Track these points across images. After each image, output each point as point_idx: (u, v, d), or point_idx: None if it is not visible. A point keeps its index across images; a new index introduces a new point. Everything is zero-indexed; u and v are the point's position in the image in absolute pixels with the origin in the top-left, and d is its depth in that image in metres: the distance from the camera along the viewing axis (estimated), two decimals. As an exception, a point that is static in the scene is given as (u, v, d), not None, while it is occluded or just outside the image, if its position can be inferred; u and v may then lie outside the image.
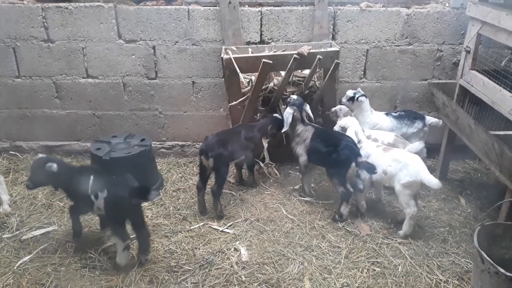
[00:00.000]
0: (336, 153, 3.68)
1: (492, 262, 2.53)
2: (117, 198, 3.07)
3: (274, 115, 4.29)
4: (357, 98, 4.30)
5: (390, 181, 3.64)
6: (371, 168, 3.56)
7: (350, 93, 4.38)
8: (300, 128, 4.05)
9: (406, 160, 3.54)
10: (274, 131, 4.25)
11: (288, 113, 4.00)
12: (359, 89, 4.41)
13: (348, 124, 3.95)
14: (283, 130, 4.06)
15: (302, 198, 4.16)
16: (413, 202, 3.54)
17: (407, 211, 3.54)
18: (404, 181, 3.50)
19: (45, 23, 4.49)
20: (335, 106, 4.38)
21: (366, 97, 4.33)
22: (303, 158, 4.02)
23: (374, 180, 3.83)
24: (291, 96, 4.19)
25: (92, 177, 3.14)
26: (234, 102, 4.32)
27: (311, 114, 4.16)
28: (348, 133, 3.86)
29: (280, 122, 4.11)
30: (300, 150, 4.03)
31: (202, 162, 3.84)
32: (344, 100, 4.41)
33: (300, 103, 4.09)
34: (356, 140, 3.80)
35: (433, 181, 3.36)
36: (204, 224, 3.79)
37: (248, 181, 4.40)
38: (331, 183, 3.91)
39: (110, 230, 3.32)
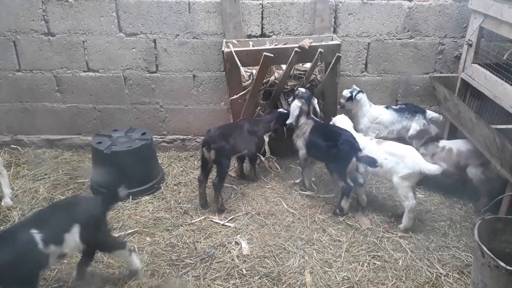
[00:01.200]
0: (336, 148, 3.67)
1: (492, 256, 2.54)
2: (97, 219, 2.86)
3: (279, 110, 4.28)
4: (355, 96, 4.28)
5: (387, 175, 3.65)
6: (372, 162, 3.55)
7: (346, 93, 4.35)
8: (301, 120, 4.03)
9: (401, 152, 3.57)
10: (277, 126, 4.24)
11: (296, 106, 3.97)
12: (354, 86, 4.39)
13: (336, 122, 4.04)
14: (288, 121, 4.02)
15: (303, 192, 4.16)
16: (412, 195, 3.54)
17: (406, 204, 3.54)
18: (402, 174, 3.51)
19: (45, 16, 4.48)
20: (337, 101, 4.38)
21: (363, 93, 4.32)
22: (302, 152, 4.02)
23: (371, 172, 3.85)
24: (299, 89, 4.15)
25: (34, 230, 2.55)
26: (235, 96, 4.31)
27: (318, 109, 4.13)
28: None
29: (286, 117, 4.09)
30: (300, 143, 4.03)
31: (204, 154, 3.84)
32: (342, 100, 4.39)
33: (309, 96, 4.05)
34: None
35: (432, 168, 3.41)
36: (205, 217, 3.80)
37: (249, 175, 4.40)
38: (331, 178, 3.91)
39: (106, 251, 3.10)
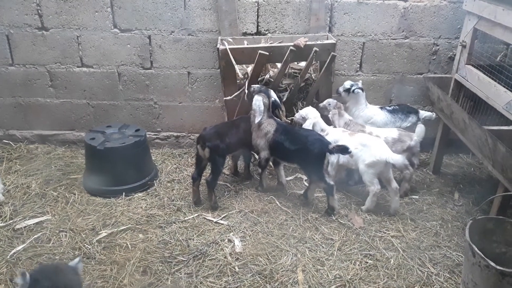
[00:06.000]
0: (307, 150, 3.67)
1: (483, 255, 2.56)
2: None
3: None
4: (353, 90, 4.30)
5: (356, 163, 3.82)
6: (344, 149, 3.58)
7: (347, 84, 4.37)
8: (262, 119, 3.93)
9: (369, 142, 3.75)
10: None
11: (258, 101, 3.88)
12: (360, 82, 4.39)
13: (309, 115, 4.05)
14: (256, 121, 3.92)
15: (297, 192, 4.16)
16: (377, 181, 3.76)
17: (371, 188, 3.78)
18: (368, 161, 3.70)
19: (39, 11, 4.44)
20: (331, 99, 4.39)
21: (363, 91, 4.33)
22: (265, 153, 3.95)
23: (341, 163, 3.95)
24: (253, 86, 4.09)
25: None
26: (230, 97, 4.28)
27: (278, 100, 4.04)
28: (305, 124, 3.98)
29: (276, 105, 4.08)
30: (262, 144, 3.94)
31: (199, 151, 3.84)
32: (341, 89, 4.39)
33: (266, 89, 4.00)
34: (318, 130, 3.95)
35: (395, 157, 3.63)
36: (198, 215, 3.80)
37: (243, 174, 4.40)
38: (310, 181, 3.93)
39: None
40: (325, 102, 4.31)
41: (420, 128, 3.95)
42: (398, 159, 3.63)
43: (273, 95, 4.04)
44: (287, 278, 3.11)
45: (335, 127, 4.15)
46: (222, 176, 4.34)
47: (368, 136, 3.88)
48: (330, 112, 4.24)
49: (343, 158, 3.89)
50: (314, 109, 4.14)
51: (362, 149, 3.73)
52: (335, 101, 4.30)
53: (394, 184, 3.79)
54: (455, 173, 4.62)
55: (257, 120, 3.91)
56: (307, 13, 4.49)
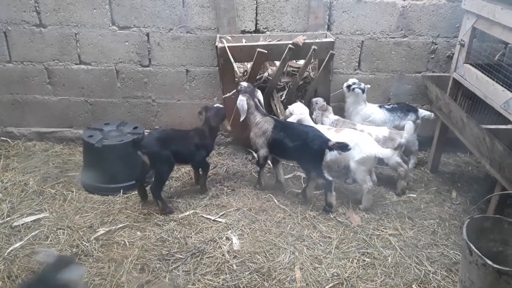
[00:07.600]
0: (307, 146, 3.66)
1: (480, 254, 2.57)
2: None
3: (215, 105, 4.09)
4: (353, 88, 4.32)
5: (345, 160, 3.83)
6: (344, 146, 3.55)
7: (350, 81, 4.40)
8: (258, 117, 3.93)
9: (357, 139, 3.72)
10: (218, 121, 4.01)
11: (241, 101, 3.89)
12: (368, 85, 4.44)
13: (295, 110, 4.05)
14: (241, 119, 3.93)
15: (295, 190, 4.16)
16: (369, 178, 3.77)
17: (364, 186, 3.77)
18: (358, 158, 3.69)
19: (37, 8, 4.42)
20: (329, 98, 4.39)
21: (363, 92, 4.33)
22: (263, 151, 3.94)
23: (329, 160, 3.91)
24: (241, 83, 4.06)
25: None
26: (228, 94, 4.28)
27: (262, 101, 4.04)
28: (290, 119, 3.99)
29: (222, 112, 4.01)
30: (260, 142, 3.92)
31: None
32: (344, 85, 4.43)
33: (252, 90, 3.99)
34: None
35: (385, 152, 3.67)
36: (196, 212, 3.80)
37: (199, 183, 4.14)
38: (308, 177, 3.92)
39: None
40: (314, 100, 4.33)
41: (409, 125, 3.95)
42: (387, 153, 3.66)
43: (258, 95, 4.02)
44: (285, 276, 3.11)
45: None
46: (219, 175, 4.35)
47: (355, 132, 3.87)
48: (314, 112, 4.26)
49: (331, 156, 3.84)
50: (302, 105, 4.14)
51: (350, 145, 3.67)
52: (324, 103, 4.32)
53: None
54: (452, 172, 4.63)
55: (241, 118, 3.92)
56: (305, 11, 4.48)
